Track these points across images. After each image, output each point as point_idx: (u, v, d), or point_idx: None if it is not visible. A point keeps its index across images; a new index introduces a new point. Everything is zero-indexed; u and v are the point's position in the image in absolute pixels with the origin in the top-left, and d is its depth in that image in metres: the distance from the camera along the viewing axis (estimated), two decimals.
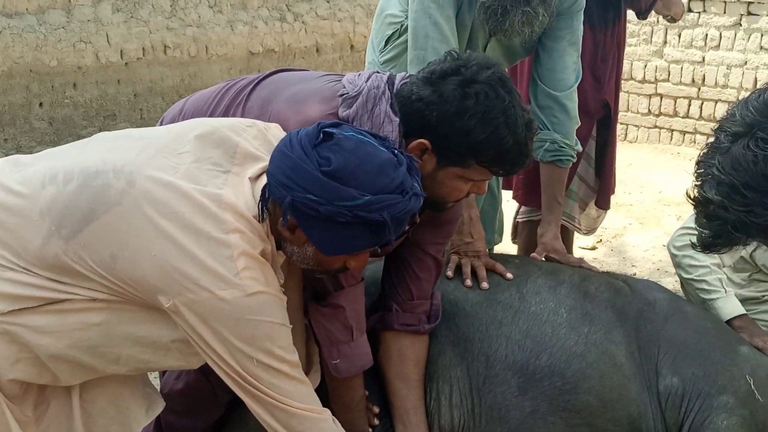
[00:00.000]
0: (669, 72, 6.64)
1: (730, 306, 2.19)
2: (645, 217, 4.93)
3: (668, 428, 1.91)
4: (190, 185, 1.42)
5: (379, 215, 1.38)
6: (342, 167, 1.37)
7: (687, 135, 6.68)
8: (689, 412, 1.90)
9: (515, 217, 3.38)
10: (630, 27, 6.33)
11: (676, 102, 6.68)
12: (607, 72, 3.09)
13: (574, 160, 2.55)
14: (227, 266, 1.38)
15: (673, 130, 6.76)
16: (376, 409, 1.89)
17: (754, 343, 2.05)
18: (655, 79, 6.72)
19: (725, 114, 1.29)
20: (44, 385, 1.53)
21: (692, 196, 1.29)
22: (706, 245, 1.29)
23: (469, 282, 2.04)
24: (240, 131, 1.56)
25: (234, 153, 1.51)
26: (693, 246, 1.34)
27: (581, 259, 2.40)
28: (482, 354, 1.92)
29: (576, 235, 3.54)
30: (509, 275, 2.06)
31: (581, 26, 2.46)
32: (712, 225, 1.24)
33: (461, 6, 2.29)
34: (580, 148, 2.55)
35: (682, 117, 6.68)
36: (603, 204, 3.32)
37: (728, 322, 2.16)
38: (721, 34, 6.31)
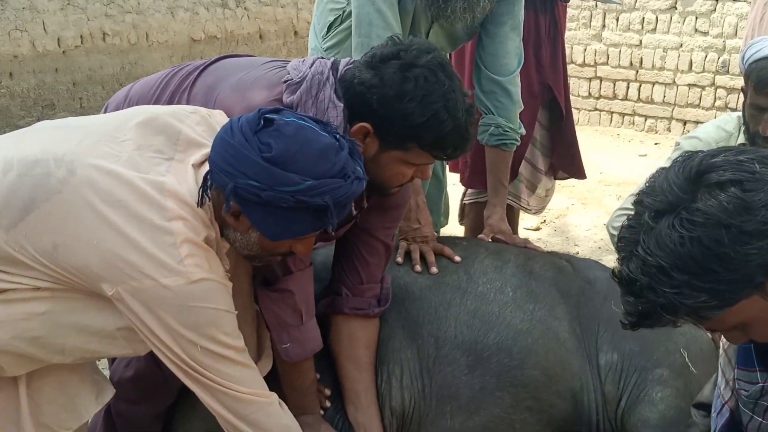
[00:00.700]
0: (608, 55, 6.79)
1: None
2: (587, 198, 5.05)
3: (608, 401, 1.97)
4: (133, 173, 1.41)
5: (322, 200, 1.39)
6: (283, 153, 1.38)
7: (626, 117, 6.86)
8: (627, 385, 1.96)
9: (462, 200, 3.43)
10: (570, 11, 6.46)
11: (615, 85, 6.84)
12: (548, 55, 3.15)
13: (519, 144, 2.59)
14: (170, 253, 1.37)
15: (612, 113, 6.92)
16: (328, 392, 1.91)
17: None
18: (595, 63, 6.86)
19: (645, 185, 1.24)
20: None
21: (616, 273, 1.24)
22: (635, 324, 1.24)
23: (418, 268, 2.07)
24: (183, 118, 1.55)
25: (177, 140, 1.50)
26: (623, 325, 1.26)
27: (526, 240, 2.45)
28: (432, 335, 1.96)
29: (521, 215, 3.61)
30: (457, 258, 2.10)
31: (522, 11, 2.49)
32: (640, 303, 1.20)
33: None
34: (524, 131, 2.59)
35: (621, 99, 6.85)
36: (579, 174, 3.39)
37: None
38: (657, 17, 6.48)
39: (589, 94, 6.93)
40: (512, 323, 1.97)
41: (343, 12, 2.43)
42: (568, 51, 6.55)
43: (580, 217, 4.73)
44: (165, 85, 1.87)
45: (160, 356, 1.48)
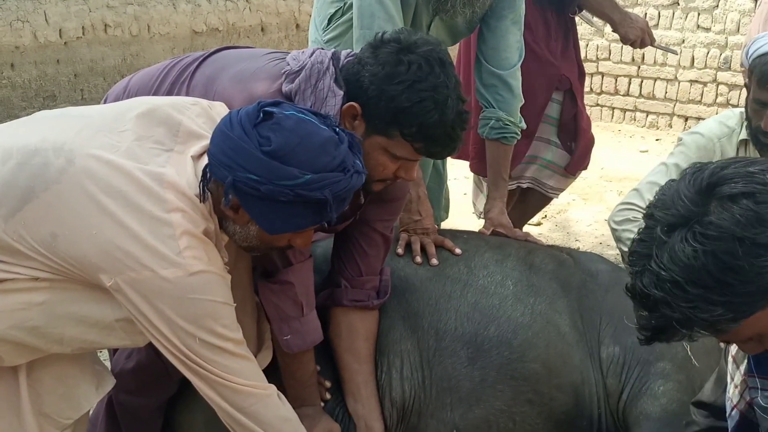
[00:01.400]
0: (610, 51, 6.78)
1: None
2: (588, 193, 5.05)
3: (609, 394, 1.97)
4: (132, 163, 1.40)
5: (321, 193, 1.39)
6: (282, 146, 1.37)
7: (627, 113, 6.85)
8: (629, 378, 1.96)
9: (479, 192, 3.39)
10: None
11: (616, 80, 6.83)
12: (559, 48, 3.14)
13: (519, 137, 2.59)
14: (169, 245, 1.37)
15: (614, 108, 6.91)
16: (328, 384, 1.91)
17: None
18: (597, 58, 6.85)
19: (655, 199, 1.23)
20: None
21: (629, 287, 1.23)
22: (650, 339, 1.24)
23: (419, 259, 2.07)
24: (183, 109, 1.54)
25: (177, 131, 1.50)
26: (639, 341, 1.26)
27: (527, 234, 2.45)
28: (432, 327, 1.96)
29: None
30: (458, 250, 2.10)
31: (523, 5, 2.49)
32: (654, 318, 1.19)
33: None
34: (524, 125, 2.59)
35: (623, 95, 6.83)
36: (573, 169, 3.36)
37: None
38: (659, 13, 6.46)
39: (591, 89, 6.92)
40: (513, 316, 1.97)
41: (345, 4, 2.43)
42: None
43: (581, 212, 4.72)
44: (164, 77, 1.86)
45: (158, 347, 1.48)
